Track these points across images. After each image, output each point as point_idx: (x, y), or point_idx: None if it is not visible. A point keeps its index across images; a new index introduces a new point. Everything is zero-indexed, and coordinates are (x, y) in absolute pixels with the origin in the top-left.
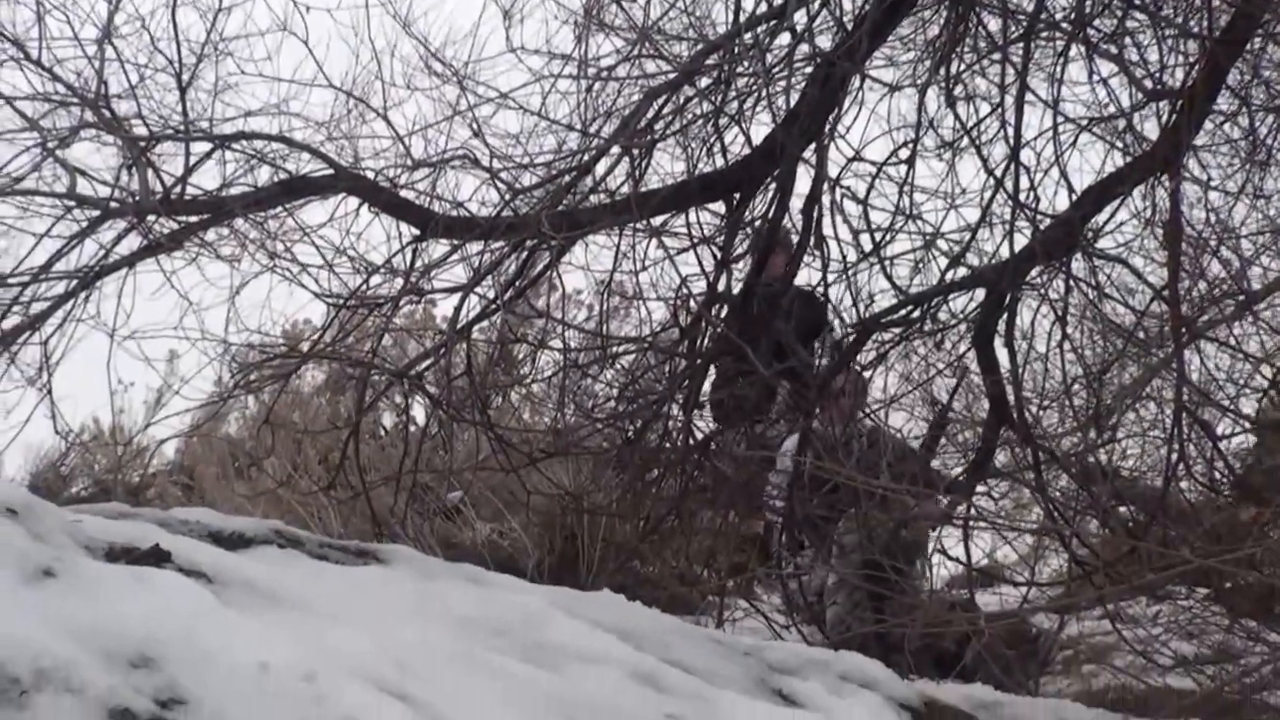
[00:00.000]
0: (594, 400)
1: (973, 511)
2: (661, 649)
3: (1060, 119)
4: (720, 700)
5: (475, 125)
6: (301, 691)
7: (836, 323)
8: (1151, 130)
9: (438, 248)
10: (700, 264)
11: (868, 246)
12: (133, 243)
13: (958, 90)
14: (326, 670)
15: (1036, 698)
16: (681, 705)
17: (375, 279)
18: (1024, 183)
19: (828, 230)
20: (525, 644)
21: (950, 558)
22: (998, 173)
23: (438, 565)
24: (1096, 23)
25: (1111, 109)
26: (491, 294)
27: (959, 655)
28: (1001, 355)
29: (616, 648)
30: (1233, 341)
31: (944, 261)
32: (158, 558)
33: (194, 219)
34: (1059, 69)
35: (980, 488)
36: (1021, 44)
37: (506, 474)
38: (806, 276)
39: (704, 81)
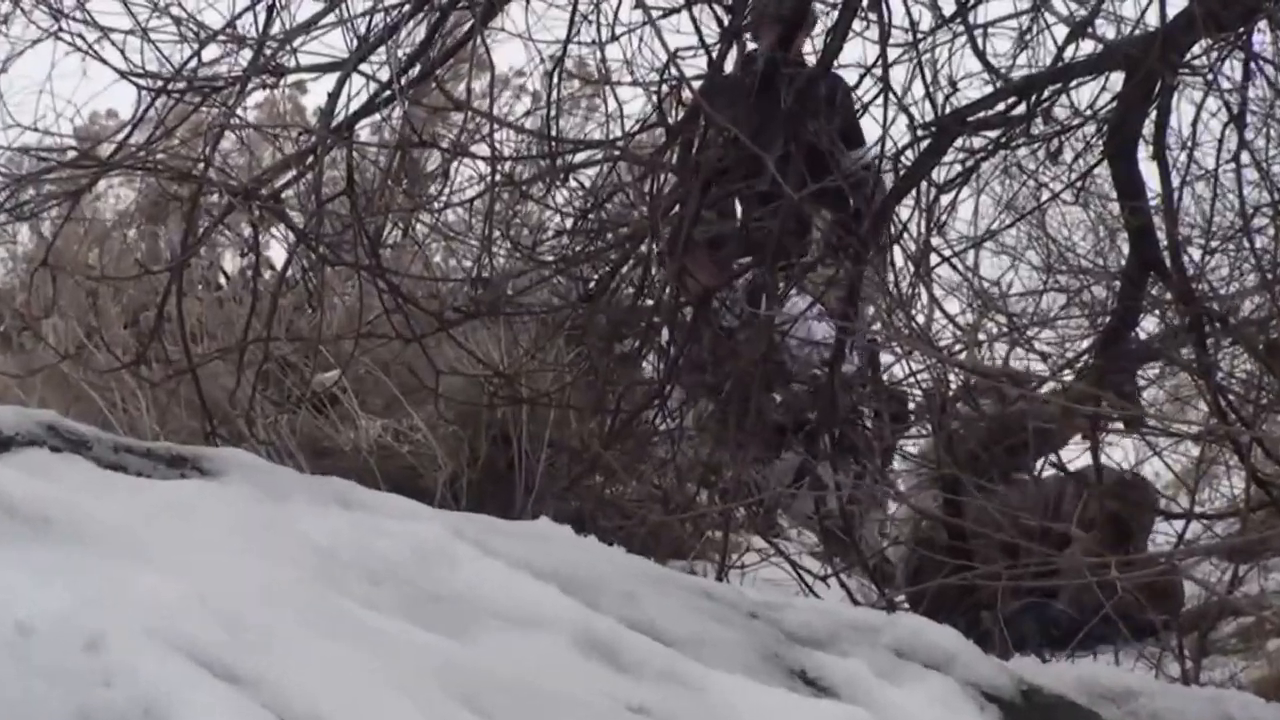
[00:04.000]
0: (538, 234)
1: (1104, 406)
2: (625, 606)
3: None
4: (709, 684)
5: None
6: (81, 666)
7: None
8: None
9: (305, 3)
10: (698, 31)
11: (950, 7)
12: None
13: None
14: (119, 634)
15: (1193, 686)
16: (650, 691)
17: (211, 50)
18: None
19: None
20: (417, 595)
21: (1069, 474)
22: None
23: (292, 480)
24: None
25: None
26: (385, 74)
27: (1079, 620)
28: (1149, 172)
29: (557, 603)
30: None
31: (1063, 31)
32: None
33: None
34: None
35: (1114, 371)
36: None
37: (406, 344)
38: (860, 52)
39: None
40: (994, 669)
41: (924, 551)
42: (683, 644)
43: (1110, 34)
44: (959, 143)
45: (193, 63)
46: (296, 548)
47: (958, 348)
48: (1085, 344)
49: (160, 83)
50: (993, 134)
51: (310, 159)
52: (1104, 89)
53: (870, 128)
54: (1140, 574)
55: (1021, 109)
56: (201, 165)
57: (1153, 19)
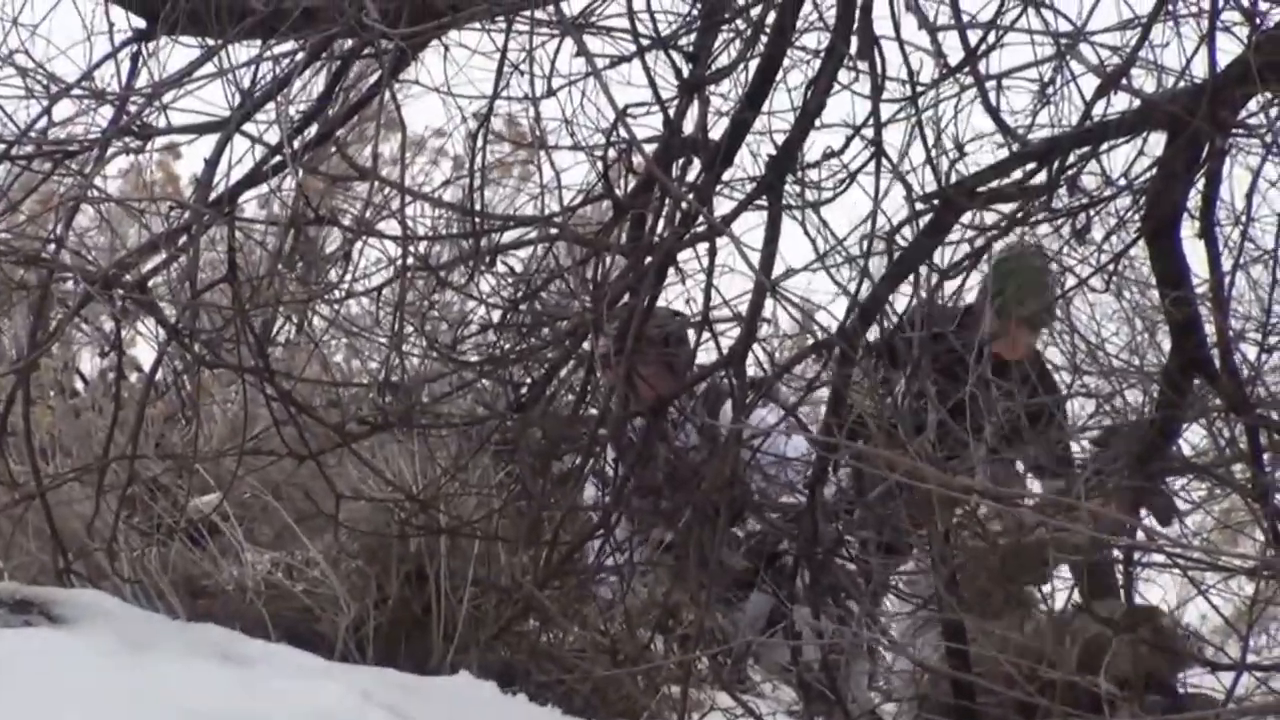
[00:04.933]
0: (459, 329)
1: (1139, 536)
2: None
3: None
4: None
5: None
6: None
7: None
8: None
9: (179, 52)
10: (651, 83)
11: (956, 55)
12: None
13: None
14: None
15: None
16: None
17: (64, 107)
18: None
19: (884, 26)
20: None
21: (1098, 619)
22: None
23: (162, 628)
24: None
25: None
26: (274, 137)
27: None
28: (1194, 254)
29: None
30: None
31: (1092, 84)
32: None
33: None
34: None
35: (1151, 490)
36: None
37: (300, 463)
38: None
39: None
40: None
41: (924, 714)
42: None
43: (1149, 88)
44: (966, 218)
45: (42, 121)
46: (168, 717)
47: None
48: (1119, 459)
49: (3, 146)
50: (1007, 208)
51: (184, 239)
52: (1141, 153)
53: (860, 200)
54: None
55: (1042, 177)
56: (53, 246)
57: (1200, 69)
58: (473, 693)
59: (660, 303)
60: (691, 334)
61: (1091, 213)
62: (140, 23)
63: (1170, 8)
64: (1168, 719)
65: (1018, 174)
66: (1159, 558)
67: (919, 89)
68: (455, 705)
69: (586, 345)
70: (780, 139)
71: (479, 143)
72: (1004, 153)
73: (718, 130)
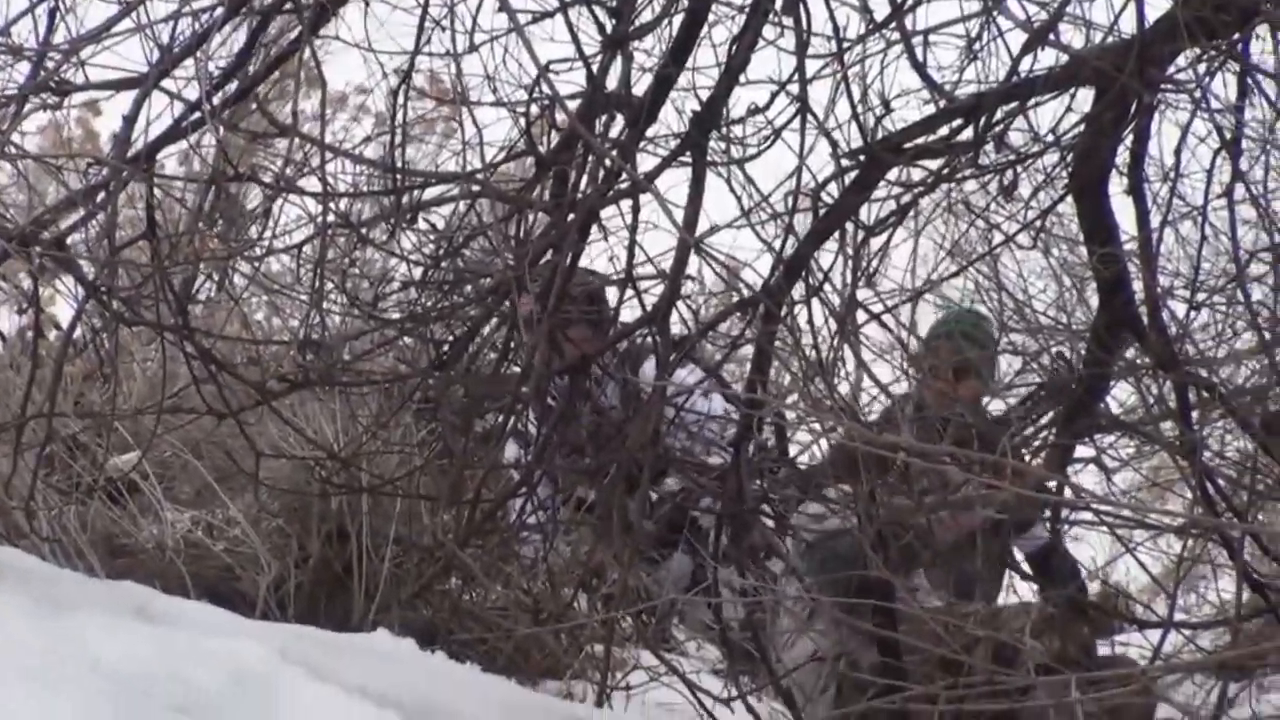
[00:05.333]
0: (380, 287)
1: (1067, 494)
2: None
3: None
4: None
5: None
6: None
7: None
8: None
9: (96, 7)
10: (575, 40)
11: (883, 10)
12: None
13: None
14: None
15: None
16: None
17: None
18: None
19: None
20: None
21: (1025, 576)
22: None
23: (80, 587)
24: None
25: None
26: (194, 93)
27: None
28: (1122, 210)
29: None
30: None
31: (1019, 40)
32: None
33: None
34: None
35: (1081, 448)
36: None
37: (220, 421)
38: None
39: None
40: None
41: (849, 672)
42: None
43: (1077, 43)
44: (892, 175)
45: None
46: (84, 674)
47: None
48: (1045, 417)
49: None
50: (934, 164)
51: (102, 195)
52: (1069, 109)
53: (786, 157)
54: (1106, 694)
55: (969, 134)
56: None
57: (1128, 25)
58: (391, 650)
59: (583, 261)
60: (615, 292)
61: (1019, 169)
62: None
63: None
64: (1092, 675)
65: (944, 130)
66: (1087, 515)
67: (845, 44)
68: (373, 662)
69: (509, 303)
70: (704, 95)
71: (400, 99)
72: (930, 109)
73: (641, 86)
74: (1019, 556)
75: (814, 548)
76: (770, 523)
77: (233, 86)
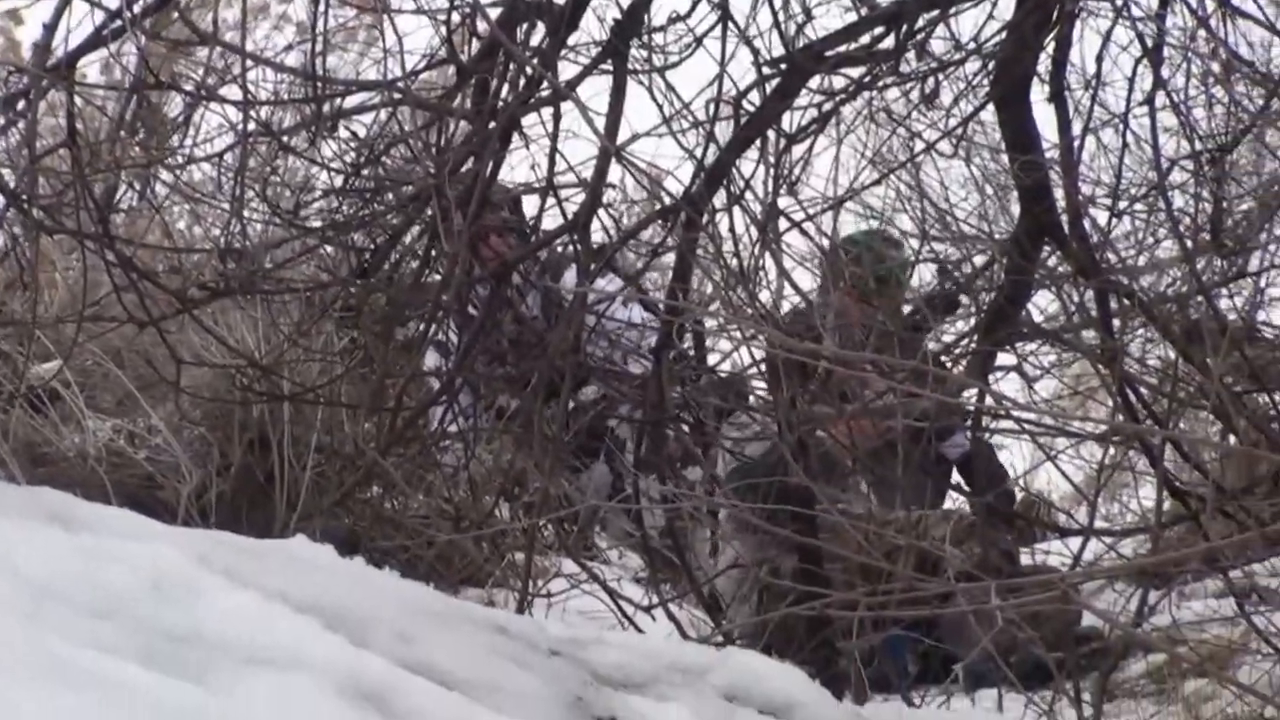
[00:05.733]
0: (302, 195)
1: (988, 401)
2: (400, 645)
3: None
4: None
5: None
6: None
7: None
8: None
9: None
10: None
11: None
12: None
13: None
14: None
15: None
16: None
17: None
18: None
19: None
20: (154, 635)
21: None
22: None
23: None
24: None
25: None
26: (116, 1)
27: (957, 657)
28: (1044, 119)
29: (318, 642)
30: None
31: None
32: None
33: None
34: None
35: (1002, 356)
36: None
37: (141, 329)
38: None
39: None
40: (845, 716)
41: (770, 579)
42: (469, 689)
43: None
44: (814, 83)
45: None
46: (4, 576)
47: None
48: (966, 325)
49: None
50: (855, 72)
51: (23, 104)
52: (990, 17)
53: (707, 65)
54: (1026, 601)
55: (890, 42)
56: None
57: None
58: (310, 556)
59: (504, 169)
60: (536, 200)
61: (940, 77)
62: None
63: None
64: (1012, 582)
65: (866, 38)
66: (1009, 424)
67: None
68: (291, 568)
69: (430, 211)
70: (625, 3)
71: (321, 7)
72: (852, 16)
73: None
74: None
75: (738, 461)
76: (689, 430)
77: None
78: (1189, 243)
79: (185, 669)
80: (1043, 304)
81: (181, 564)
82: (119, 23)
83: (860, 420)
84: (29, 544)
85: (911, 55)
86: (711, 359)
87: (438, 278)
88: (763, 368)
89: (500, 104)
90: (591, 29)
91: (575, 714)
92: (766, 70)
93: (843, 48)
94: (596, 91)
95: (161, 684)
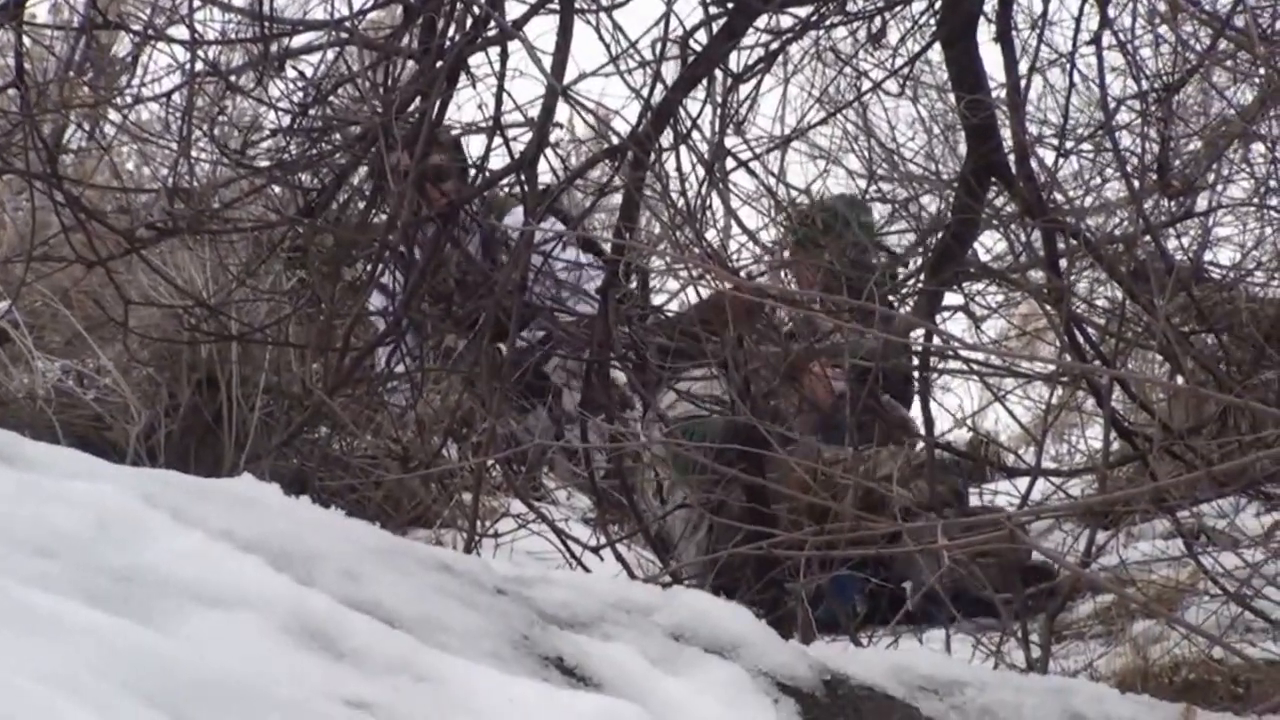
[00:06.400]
0: (249, 135)
1: (935, 341)
2: (346, 583)
3: None
4: (445, 674)
5: None
6: None
7: None
8: None
9: None
10: None
11: None
12: None
13: None
14: None
15: (1033, 673)
16: (374, 684)
17: None
18: None
19: None
20: (99, 573)
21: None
22: None
23: None
24: None
25: None
26: None
27: (902, 598)
28: (990, 58)
29: (264, 580)
30: None
31: None
32: None
33: None
34: None
35: (949, 296)
36: None
37: (90, 269)
38: None
39: None
40: (792, 655)
41: (717, 519)
42: (414, 627)
43: None
44: (760, 22)
45: None
46: None
47: (758, 270)
48: (913, 264)
49: None
50: (802, 11)
51: None
52: None
53: (653, 4)
54: (973, 540)
55: None
56: None
57: None
58: (256, 495)
59: (451, 108)
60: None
61: (887, 16)
62: None
63: None
64: (959, 520)
65: None
66: (956, 364)
67: None
68: (237, 507)
69: (376, 151)
70: None
71: None
72: None
73: None
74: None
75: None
76: (635, 370)
77: None
78: (1136, 183)
79: (131, 608)
80: (989, 243)
81: (128, 503)
82: None
83: (813, 383)
84: None
85: None
86: (658, 299)
87: (384, 218)
88: (709, 306)
89: (447, 43)
90: None
91: (521, 652)
92: (713, 9)
93: None
94: (543, 31)
95: (107, 623)
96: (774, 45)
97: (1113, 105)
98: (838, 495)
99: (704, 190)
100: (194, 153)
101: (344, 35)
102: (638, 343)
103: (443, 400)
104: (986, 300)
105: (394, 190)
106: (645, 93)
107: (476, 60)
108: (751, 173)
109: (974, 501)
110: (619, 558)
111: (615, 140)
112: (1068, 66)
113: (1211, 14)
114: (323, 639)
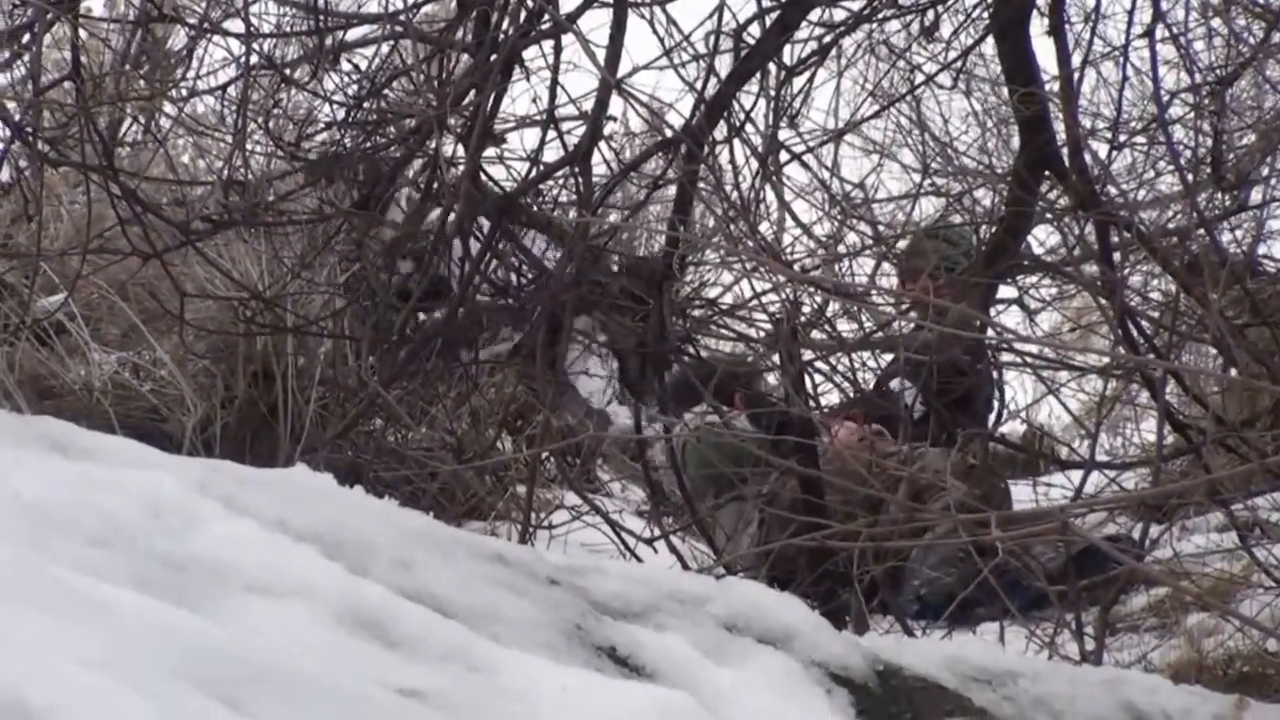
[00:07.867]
0: (304, 128)
1: (990, 333)
2: (398, 573)
3: None
4: (498, 664)
5: None
6: None
7: None
8: None
9: None
10: None
11: None
12: None
13: None
14: None
15: (1086, 665)
16: (427, 673)
17: None
18: None
19: None
20: (152, 562)
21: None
22: None
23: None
24: None
25: None
26: None
27: (957, 589)
28: (1044, 51)
29: (317, 569)
30: None
31: None
32: None
33: None
34: None
35: (1003, 289)
36: None
37: (146, 262)
38: None
39: None
40: (845, 646)
41: (772, 510)
42: (468, 617)
43: None
44: (814, 15)
45: None
46: (4, 503)
47: (812, 263)
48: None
49: None
50: (855, 5)
51: (28, 37)
52: None
53: None
54: (1026, 533)
55: None
56: None
57: None
58: (310, 485)
59: (505, 101)
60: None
61: (940, 9)
62: None
63: None
64: (1013, 513)
65: None
66: (1010, 356)
67: None
68: (291, 496)
69: (432, 143)
70: None
71: None
72: None
73: None
74: None
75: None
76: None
77: None
78: (1189, 176)
79: (183, 596)
80: (1043, 237)
81: (181, 492)
82: None
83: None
84: (28, 470)
85: None
86: (712, 292)
87: (439, 210)
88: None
89: (501, 37)
90: None
91: (574, 642)
92: (767, 2)
93: None
94: (597, 24)
95: (159, 610)
96: (827, 39)
97: (1166, 99)
98: (888, 490)
99: (758, 183)
100: (249, 146)
101: (398, 29)
102: (691, 335)
103: (497, 392)
104: (1040, 293)
105: (449, 183)
106: (699, 86)
107: (531, 54)
108: (805, 166)
109: (1027, 493)
110: (673, 550)
111: (669, 133)
112: (1121, 60)
113: (1265, 7)
114: (375, 628)
